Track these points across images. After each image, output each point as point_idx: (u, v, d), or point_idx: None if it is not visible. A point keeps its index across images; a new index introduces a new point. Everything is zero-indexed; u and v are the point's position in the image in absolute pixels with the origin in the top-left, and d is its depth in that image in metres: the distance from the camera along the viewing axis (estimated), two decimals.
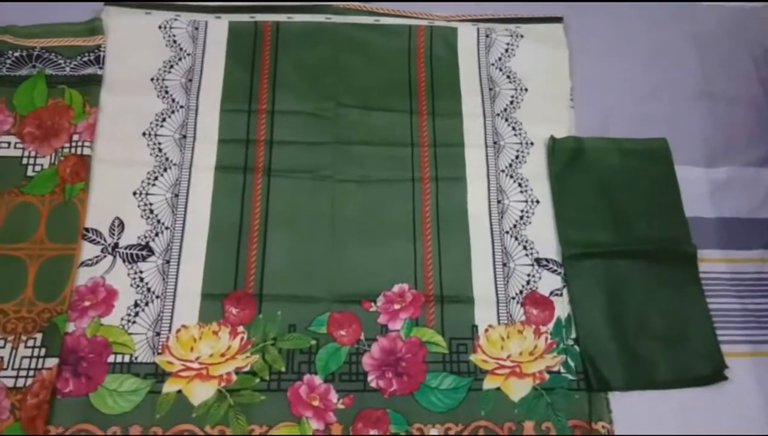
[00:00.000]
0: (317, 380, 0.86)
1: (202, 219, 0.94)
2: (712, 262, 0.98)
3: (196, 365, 0.85)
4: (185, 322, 0.88)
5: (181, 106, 1.01)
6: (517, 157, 1.03)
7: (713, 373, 0.90)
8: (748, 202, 1.03)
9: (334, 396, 0.85)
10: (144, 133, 0.99)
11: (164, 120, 1.00)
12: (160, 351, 0.85)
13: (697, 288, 0.95)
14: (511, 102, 1.07)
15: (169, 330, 0.87)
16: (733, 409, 0.88)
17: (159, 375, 0.84)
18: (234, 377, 0.85)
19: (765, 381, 0.90)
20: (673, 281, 0.95)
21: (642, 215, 0.99)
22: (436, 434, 0.83)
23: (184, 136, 0.99)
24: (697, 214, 1.01)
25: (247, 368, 0.86)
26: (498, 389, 0.87)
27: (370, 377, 0.86)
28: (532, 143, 1.04)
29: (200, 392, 0.83)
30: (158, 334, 0.86)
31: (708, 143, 1.07)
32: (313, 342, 0.88)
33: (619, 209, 1.00)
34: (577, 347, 0.90)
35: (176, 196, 0.95)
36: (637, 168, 1.03)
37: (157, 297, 0.89)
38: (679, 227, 0.99)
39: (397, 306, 0.91)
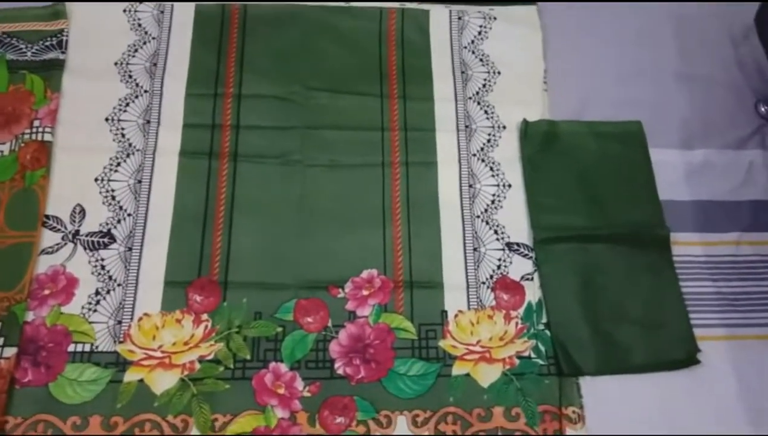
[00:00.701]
0: (283, 367, 0.84)
1: (165, 205, 0.92)
2: (687, 245, 0.97)
3: (158, 354, 0.83)
4: (147, 310, 0.86)
5: (146, 91, 0.99)
6: (489, 141, 1.02)
7: (686, 357, 0.89)
8: (725, 184, 1.02)
9: (300, 384, 0.83)
10: (107, 119, 0.97)
11: (128, 105, 0.98)
12: (121, 340, 0.84)
13: (671, 272, 0.94)
14: (484, 85, 1.05)
15: (131, 319, 0.85)
16: (708, 393, 0.87)
17: (120, 364, 0.82)
18: (197, 366, 0.83)
19: (740, 365, 0.89)
20: (647, 264, 0.94)
21: (616, 199, 0.98)
22: None
23: (148, 122, 0.97)
24: (673, 198, 1.00)
25: (210, 357, 0.84)
26: (467, 374, 0.86)
27: (337, 364, 0.85)
28: (504, 127, 1.03)
29: (162, 381, 0.82)
30: (120, 322, 0.85)
31: (685, 126, 1.06)
32: (279, 329, 0.86)
33: (593, 193, 0.98)
34: (548, 332, 0.89)
35: (139, 182, 0.93)
36: (611, 151, 1.02)
37: (119, 285, 0.87)
38: (653, 210, 0.98)
39: (365, 292, 0.90)
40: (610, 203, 0.98)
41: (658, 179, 1.00)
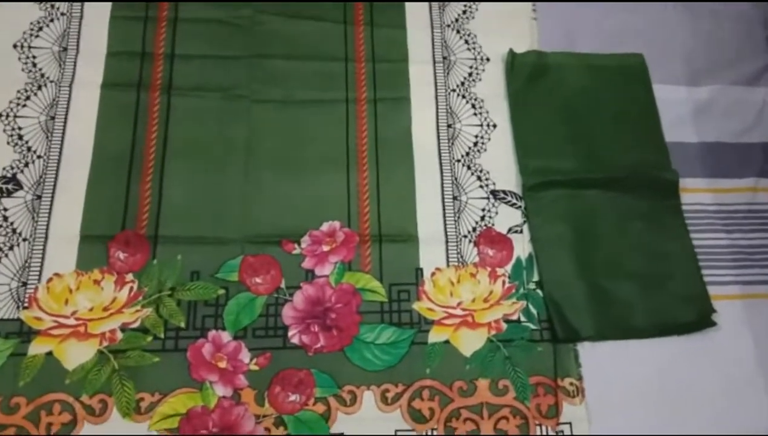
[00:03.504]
0: (225, 336, 0.71)
1: (83, 146, 0.79)
2: (696, 192, 0.86)
3: (71, 322, 0.70)
4: (59, 269, 0.73)
5: (62, 14, 0.86)
6: (470, 74, 0.90)
7: (699, 318, 0.78)
8: (735, 124, 0.91)
9: (245, 356, 0.71)
10: (15, 45, 0.84)
11: (41, 29, 0.85)
12: (26, 305, 0.71)
13: (679, 221, 0.83)
14: (464, 12, 0.93)
15: (39, 279, 0.73)
16: (722, 359, 0.77)
17: (24, 334, 0.70)
18: (119, 336, 0.71)
19: (757, 327, 0.79)
20: (650, 212, 0.82)
21: (614, 139, 0.87)
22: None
23: (65, 49, 0.84)
24: (677, 139, 0.89)
25: (136, 324, 0.71)
26: (446, 342, 0.74)
27: (291, 332, 0.72)
28: (488, 59, 0.91)
29: (76, 354, 0.69)
30: (24, 284, 0.72)
31: (689, 59, 0.95)
32: (221, 292, 0.74)
33: (588, 133, 0.87)
34: (539, 292, 0.78)
35: (52, 118, 0.80)
36: (608, 87, 0.91)
37: (24, 240, 0.74)
38: (658, 151, 0.87)
39: (326, 248, 0.77)
40: (607, 144, 0.86)
41: (660, 119, 0.88)
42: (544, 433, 0.70)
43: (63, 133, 0.79)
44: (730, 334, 0.78)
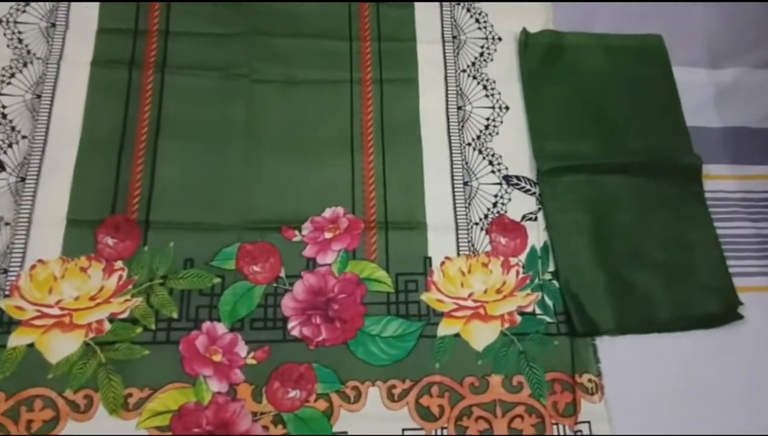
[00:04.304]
0: (220, 328, 0.67)
1: (71, 126, 0.75)
2: (719, 179, 0.81)
3: (55, 311, 0.66)
4: (43, 256, 0.68)
5: None
6: (481, 54, 0.85)
7: (724, 311, 0.73)
8: (760, 109, 0.86)
9: (242, 349, 0.66)
10: (1, 21, 0.80)
11: (27, 4, 0.81)
12: (7, 293, 0.66)
13: (702, 209, 0.78)
14: None
15: (21, 266, 0.68)
16: (749, 354, 0.72)
17: (4, 325, 0.65)
18: (107, 327, 0.66)
19: None
20: (673, 200, 0.78)
21: (633, 123, 0.82)
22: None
23: (53, 25, 0.80)
24: (699, 124, 0.84)
25: (125, 315, 0.66)
26: (457, 335, 0.69)
27: (291, 324, 0.68)
28: (500, 39, 0.86)
29: (60, 346, 0.64)
30: (5, 271, 0.67)
31: (711, 41, 0.91)
32: (217, 281, 0.69)
33: (606, 116, 0.82)
34: (556, 283, 0.73)
35: (38, 97, 0.76)
36: (626, 69, 0.86)
37: (7, 224, 0.69)
38: (679, 136, 0.82)
39: (328, 235, 0.72)
40: (626, 128, 0.82)
41: (681, 102, 0.84)
42: (562, 433, 0.65)
43: (50, 112, 0.75)
44: (757, 327, 0.73)
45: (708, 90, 0.87)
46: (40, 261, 0.68)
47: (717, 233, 0.77)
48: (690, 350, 0.72)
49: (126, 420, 0.62)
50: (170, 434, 0.62)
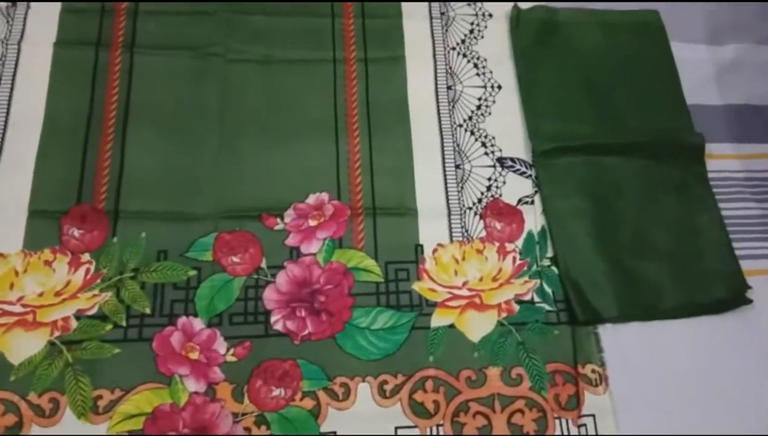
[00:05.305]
0: (197, 324, 0.62)
1: (33, 110, 0.71)
2: (722, 158, 0.78)
3: (17, 309, 0.61)
4: (3, 249, 0.65)
5: None
6: (471, 31, 0.82)
7: (732, 296, 0.70)
8: (763, 86, 0.83)
9: (221, 345, 0.62)
10: None
11: None
12: None
13: (707, 190, 0.75)
14: None
15: None
16: (758, 339, 0.69)
17: None
18: (74, 324, 0.62)
19: None
20: (676, 181, 0.75)
21: (631, 102, 0.79)
22: None
23: (14, 3, 0.75)
24: (699, 102, 0.81)
25: (93, 311, 0.62)
26: (451, 326, 0.65)
27: (274, 318, 0.64)
28: (490, 15, 0.83)
29: (23, 346, 0.60)
30: None
31: (711, 17, 0.88)
32: (193, 273, 0.65)
33: (603, 95, 0.79)
34: (555, 269, 0.69)
35: None
36: (623, 46, 0.83)
37: None
38: (679, 114, 0.79)
39: (313, 222, 0.68)
40: (624, 107, 0.78)
41: (680, 80, 0.81)
42: (565, 428, 0.62)
43: (10, 96, 0.71)
44: (765, 311, 0.70)
45: (708, 67, 0.84)
46: (1, 255, 0.63)
47: (722, 214, 0.74)
48: (696, 336, 0.68)
49: (95, 424, 0.58)
50: None
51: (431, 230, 0.70)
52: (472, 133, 0.75)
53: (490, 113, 0.76)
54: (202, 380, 0.60)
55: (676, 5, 0.86)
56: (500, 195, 0.72)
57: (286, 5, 0.78)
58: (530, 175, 0.74)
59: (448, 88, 0.77)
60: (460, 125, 0.75)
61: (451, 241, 0.69)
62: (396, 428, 0.60)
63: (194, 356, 0.61)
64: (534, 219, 0.71)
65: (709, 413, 0.64)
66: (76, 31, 0.74)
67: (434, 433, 0.60)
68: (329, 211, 0.69)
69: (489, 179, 0.73)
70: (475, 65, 0.79)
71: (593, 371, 0.64)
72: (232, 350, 0.62)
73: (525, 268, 0.69)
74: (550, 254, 0.70)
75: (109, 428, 0.57)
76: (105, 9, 0.75)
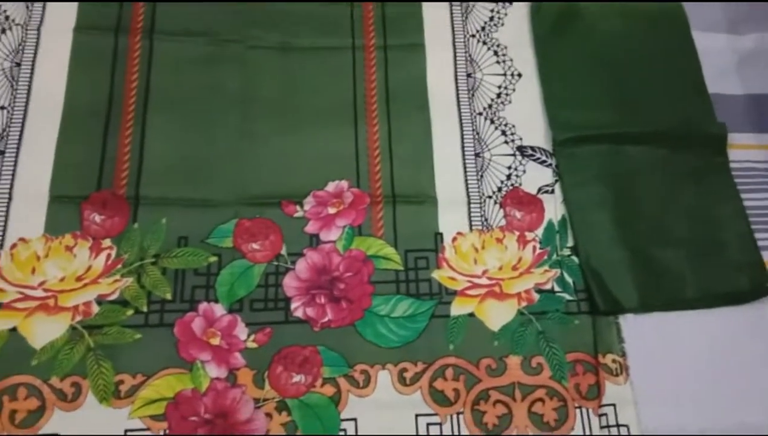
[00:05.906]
0: (218, 310, 0.62)
1: (53, 96, 0.70)
2: (743, 148, 0.77)
3: (39, 293, 0.61)
4: (25, 234, 0.64)
5: None
6: (491, 18, 0.81)
7: (754, 287, 0.69)
8: None
9: (242, 331, 0.62)
10: None
11: None
12: None
13: (729, 180, 0.74)
14: None
15: (1, 245, 0.63)
16: None
17: None
18: (95, 309, 0.61)
19: None
20: (698, 171, 0.73)
21: (653, 91, 0.78)
22: None
23: None
24: (720, 91, 0.80)
25: (115, 296, 0.62)
26: (471, 315, 0.65)
27: (294, 305, 0.63)
28: (510, 2, 0.82)
29: (45, 331, 0.60)
30: None
31: (730, 6, 0.86)
32: (213, 259, 0.65)
33: (624, 84, 0.78)
34: (575, 259, 0.68)
35: (17, 65, 0.71)
36: (644, 34, 0.81)
37: None
38: (701, 104, 0.78)
39: (332, 210, 0.68)
40: (645, 96, 0.77)
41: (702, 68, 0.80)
42: (585, 417, 0.61)
43: (30, 81, 0.70)
44: None
45: (729, 56, 0.82)
46: (22, 239, 0.63)
47: (744, 205, 0.73)
48: (718, 327, 0.67)
49: (117, 409, 0.57)
50: (165, 423, 0.57)
51: (451, 218, 0.69)
52: (492, 121, 0.74)
53: (510, 101, 0.76)
54: (224, 365, 0.60)
55: None
56: (520, 184, 0.72)
57: None
58: (550, 164, 0.73)
59: (468, 75, 0.76)
60: (480, 113, 0.75)
61: (471, 229, 0.69)
62: (416, 415, 0.60)
63: (215, 341, 0.61)
64: (554, 208, 0.71)
65: (729, 404, 0.63)
66: (95, 17, 0.73)
67: (455, 420, 0.60)
68: (348, 198, 0.68)
69: (509, 168, 0.72)
70: (495, 53, 0.78)
71: (614, 360, 0.63)
72: (252, 336, 0.62)
73: (545, 257, 0.68)
74: (570, 243, 0.69)
75: (130, 413, 0.57)
76: None
